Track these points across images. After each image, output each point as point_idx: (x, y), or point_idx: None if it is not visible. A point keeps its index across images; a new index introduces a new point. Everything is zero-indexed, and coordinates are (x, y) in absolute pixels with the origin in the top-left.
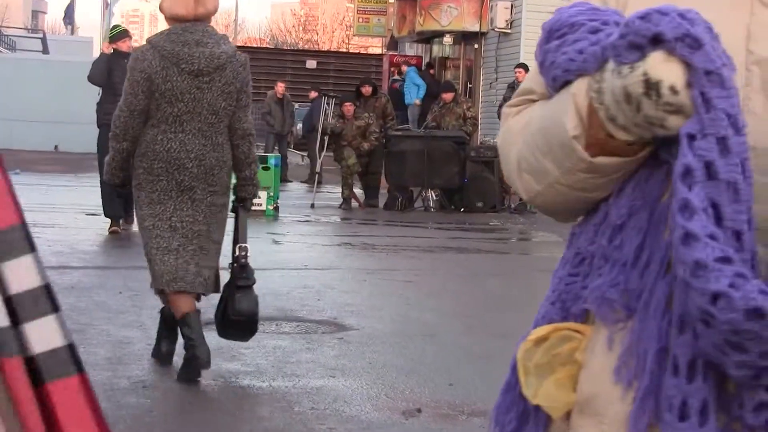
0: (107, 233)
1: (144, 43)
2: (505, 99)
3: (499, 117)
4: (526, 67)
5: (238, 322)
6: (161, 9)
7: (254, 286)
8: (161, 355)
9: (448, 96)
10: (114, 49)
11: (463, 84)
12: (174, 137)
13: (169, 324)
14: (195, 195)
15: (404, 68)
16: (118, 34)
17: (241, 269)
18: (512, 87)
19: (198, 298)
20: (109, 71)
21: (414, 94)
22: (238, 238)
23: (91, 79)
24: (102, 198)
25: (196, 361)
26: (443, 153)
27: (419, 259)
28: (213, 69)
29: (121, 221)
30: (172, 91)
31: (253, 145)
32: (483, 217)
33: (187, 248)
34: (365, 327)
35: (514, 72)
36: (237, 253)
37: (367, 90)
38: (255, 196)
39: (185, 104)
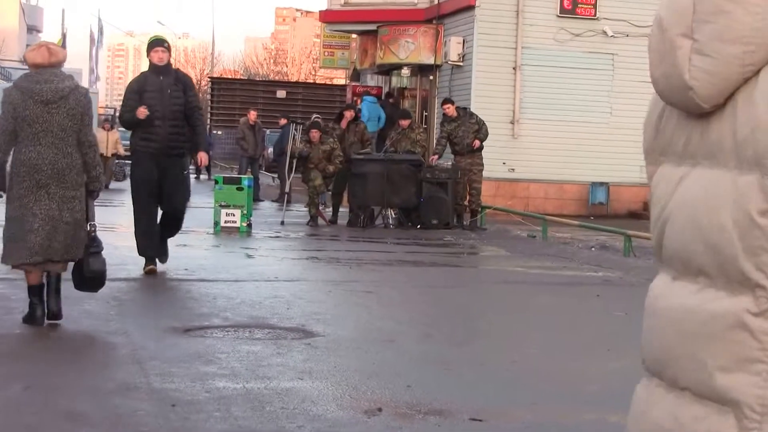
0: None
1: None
2: (441, 129)
3: (438, 142)
4: (452, 102)
5: (91, 278)
6: (25, 58)
7: (103, 252)
8: (35, 319)
9: (404, 123)
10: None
11: (420, 112)
12: (33, 149)
13: (35, 291)
14: (50, 190)
15: (358, 102)
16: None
17: (92, 240)
18: (443, 122)
19: (63, 267)
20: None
21: (374, 123)
22: (89, 217)
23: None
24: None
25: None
26: (401, 175)
27: (380, 271)
28: (58, 98)
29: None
30: (30, 116)
31: (97, 154)
32: (437, 233)
33: (44, 228)
34: (331, 334)
35: (443, 108)
36: (88, 228)
37: (351, 114)
38: (100, 189)
39: (40, 125)
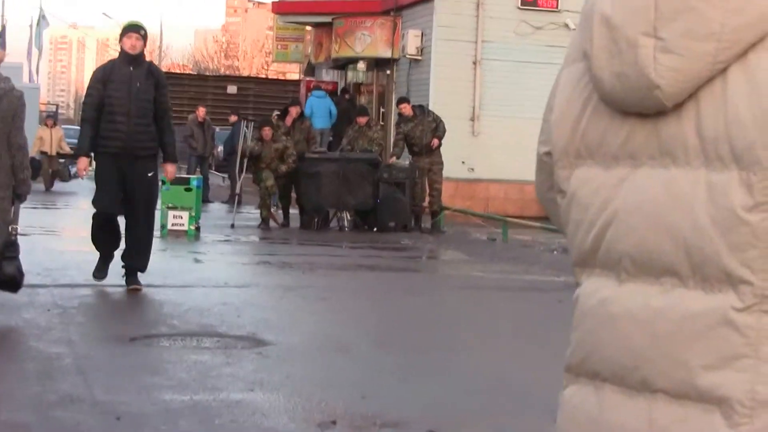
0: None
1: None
2: (397, 129)
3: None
4: (408, 101)
5: (5, 281)
6: None
7: (15, 259)
8: None
9: (362, 120)
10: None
11: (376, 108)
12: None
13: None
14: None
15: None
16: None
17: (10, 245)
18: (399, 122)
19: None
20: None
21: (326, 119)
22: (12, 221)
23: None
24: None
25: None
26: (357, 175)
27: (334, 276)
28: None
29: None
30: None
31: (26, 156)
32: (395, 237)
33: None
34: (283, 342)
35: (398, 108)
36: (9, 230)
37: (296, 111)
38: (27, 193)
39: None
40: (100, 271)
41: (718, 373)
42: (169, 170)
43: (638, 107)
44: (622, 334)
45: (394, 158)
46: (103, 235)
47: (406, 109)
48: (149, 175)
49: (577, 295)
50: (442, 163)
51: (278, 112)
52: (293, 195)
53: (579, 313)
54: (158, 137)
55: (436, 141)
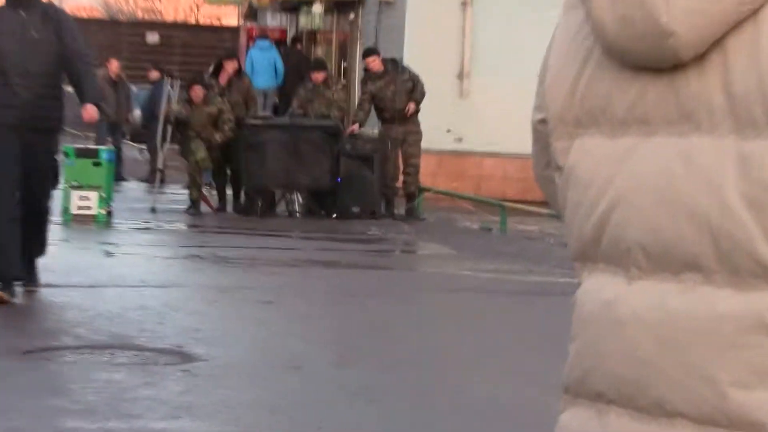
0: None
1: None
2: (362, 88)
3: (360, 106)
4: (377, 53)
5: None
6: None
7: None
8: None
9: (318, 77)
10: None
11: (337, 63)
12: None
13: None
14: None
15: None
16: None
17: None
18: (366, 80)
19: None
20: None
21: (271, 76)
22: None
23: None
24: None
25: None
26: (312, 146)
27: (282, 275)
28: None
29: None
30: None
31: None
32: (360, 225)
33: None
34: (217, 357)
35: (365, 61)
36: None
37: (233, 66)
38: None
39: None
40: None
41: (752, 392)
42: (89, 111)
43: (649, 60)
44: (631, 344)
45: (357, 126)
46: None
47: (375, 63)
48: (54, 156)
49: (577, 296)
50: (420, 133)
51: (211, 68)
52: (230, 172)
53: (578, 319)
54: (74, 86)
55: (412, 105)
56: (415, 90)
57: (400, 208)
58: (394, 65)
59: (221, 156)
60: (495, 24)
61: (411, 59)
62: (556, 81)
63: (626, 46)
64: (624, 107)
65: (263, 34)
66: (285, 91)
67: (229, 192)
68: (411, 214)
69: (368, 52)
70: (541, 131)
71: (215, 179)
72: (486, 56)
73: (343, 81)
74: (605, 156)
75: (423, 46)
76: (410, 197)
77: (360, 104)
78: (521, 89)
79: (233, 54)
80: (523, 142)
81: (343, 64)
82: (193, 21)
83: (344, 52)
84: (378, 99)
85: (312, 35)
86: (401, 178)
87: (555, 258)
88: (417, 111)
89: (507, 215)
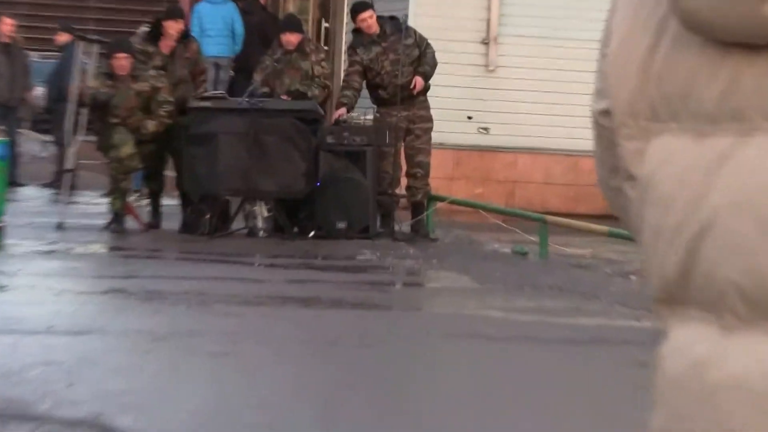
0: None
1: None
2: (350, 57)
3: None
4: (372, 7)
5: None
6: None
7: None
8: None
9: (290, 40)
10: None
11: (315, 23)
12: None
13: None
14: None
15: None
16: None
17: None
18: (355, 46)
19: None
20: None
21: (226, 40)
22: None
23: None
24: None
25: None
26: (280, 139)
27: (241, 316)
28: None
29: None
30: None
31: None
32: (347, 247)
33: None
34: (149, 430)
35: (355, 21)
36: None
37: (178, 28)
38: None
39: None
40: None
41: None
42: None
43: (742, 34)
44: (728, 417)
45: (345, 110)
46: None
47: (369, 22)
48: None
49: (661, 351)
50: (430, 120)
51: (146, 28)
52: (169, 173)
53: (663, 383)
54: None
55: (419, 80)
56: (423, 60)
57: (403, 224)
58: (395, 25)
59: (156, 152)
60: None
61: (418, 19)
62: (622, 51)
63: (712, 18)
64: (712, 97)
65: None
66: (244, 62)
67: (169, 202)
68: (418, 232)
69: (359, 7)
70: (605, 126)
71: (147, 184)
72: (521, 16)
73: (324, 47)
74: (691, 164)
75: (434, 1)
76: (417, 208)
77: (347, 79)
78: (569, 61)
79: (178, 12)
80: (571, 135)
81: (323, 25)
82: None
83: (326, 8)
84: (372, 72)
85: None
86: (404, 182)
87: (614, 292)
88: (426, 89)
89: (549, 233)
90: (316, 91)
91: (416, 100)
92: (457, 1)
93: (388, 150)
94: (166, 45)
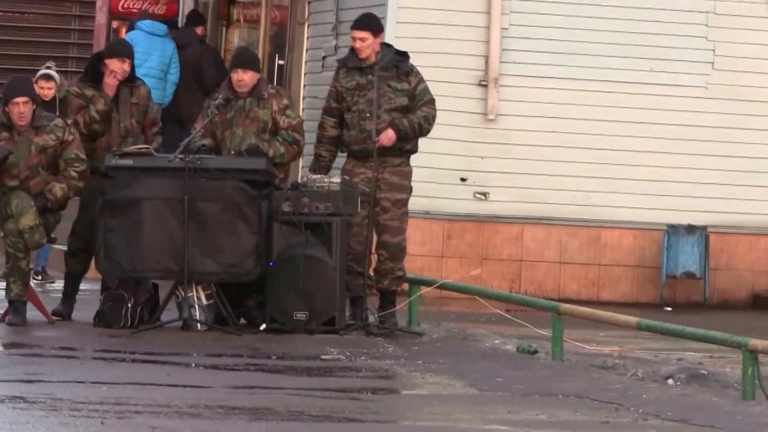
0: None
1: None
2: (330, 96)
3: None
4: (374, 28)
5: None
6: None
7: None
8: None
9: (243, 80)
10: None
11: (267, 58)
12: None
13: None
14: None
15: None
16: None
17: None
18: (340, 65)
19: None
20: None
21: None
22: None
23: None
24: None
25: None
26: (224, 206)
27: None
28: None
29: None
30: None
31: None
32: (308, 344)
33: None
34: None
35: (353, 35)
36: None
37: (123, 68)
38: None
39: None
40: None
41: None
42: None
43: None
44: None
45: (316, 174)
46: None
47: (360, 45)
48: None
49: None
50: (404, 190)
51: (49, 65)
52: (80, 249)
53: None
54: None
55: (388, 133)
56: (415, 102)
57: (376, 313)
58: (393, 60)
59: (82, 221)
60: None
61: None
62: None
63: None
64: None
65: (147, 13)
66: (174, 107)
67: (85, 287)
68: (393, 325)
69: (355, 23)
70: None
71: (68, 262)
72: (527, 52)
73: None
74: None
75: (421, 30)
76: (384, 297)
77: (322, 123)
78: (588, 106)
79: (122, 50)
80: (591, 201)
81: (277, 62)
82: None
83: (280, 40)
84: (343, 104)
85: (225, 10)
86: (374, 258)
87: (647, 401)
88: (405, 151)
89: (564, 326)
90: (282, 149)
91: (387, 160)
92: (449, 32)
93: (359, 217)
94: (110, 86)
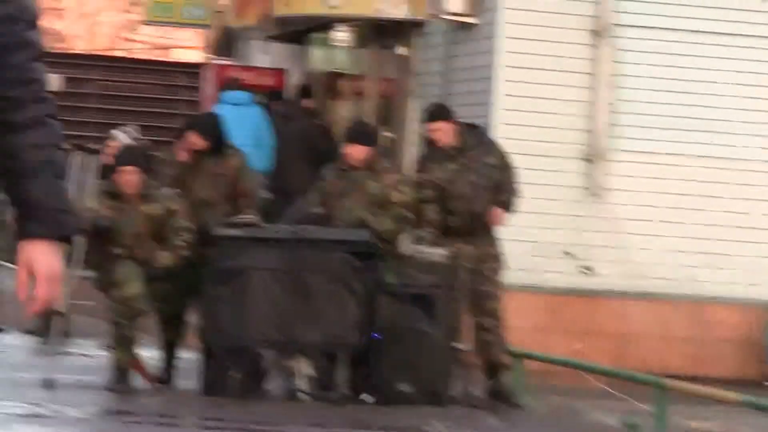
0: None
1: None
2: (420, 176)
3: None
4: (450, 116)
5: None
6: None
7: None
8: None
9: (353, 154)
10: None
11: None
12: None
13: None
14: None
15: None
16: None
17: None
18: (426, 157)
19: None
20: None
21: (256, 157)
22: None
23: None
24: None
25: None
26: (329, 278)
27: None
28: None
29: None
30: None
31: None
32: (411, 416)
33: None
34: None
35: (428, 130)
36: None
37: (200, 144)
38: None
39: None
40: None
41: None
42: None
43: None
44: None
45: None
46: None
47: (439, 135)
48: None
49: None
50: (499, 258)
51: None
52: (188, 318)
53: None
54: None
55: (498, 213)
56: (503, 181)
57: (480, 387)
58: (477, 136)
59: (172, 291)
60: (651, 70)
61: (501, 129)
62: None
63: None
64: None
65: (238, 82)
66: (282, 179)
67: (188, 356)
68: (499, 398)
69: (431, 115)
70: None
71: (161, 331)
72: (638, 124)
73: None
74: None
75: (526, 103)
76: (492, 369)
77: (426, 212)
78: (699, 183)
79: (206, 127)
80: (695, 277)
81: (385, 134)
82: (121, 53)
83: (388, 112)
84: (446, 195)
85: (332, 81)
86: (474, 336)
87: None
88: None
89: (668, 402)
90: (388, 223)
91: (487, 234)
92: (553, 106)
93: (459, 292)
94: (183, 154)
